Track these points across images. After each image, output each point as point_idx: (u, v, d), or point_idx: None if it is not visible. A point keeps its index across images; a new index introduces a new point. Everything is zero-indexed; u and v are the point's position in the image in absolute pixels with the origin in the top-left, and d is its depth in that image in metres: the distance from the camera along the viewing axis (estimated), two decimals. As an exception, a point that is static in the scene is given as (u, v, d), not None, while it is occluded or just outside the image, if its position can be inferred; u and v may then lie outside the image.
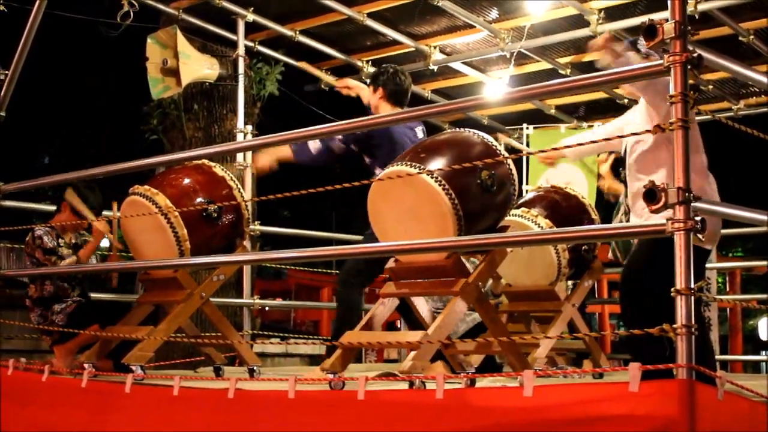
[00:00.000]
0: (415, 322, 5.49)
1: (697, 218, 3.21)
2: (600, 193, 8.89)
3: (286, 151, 6.10)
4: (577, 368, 7.01)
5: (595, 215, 6.75)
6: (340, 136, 5.94)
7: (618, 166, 5.66)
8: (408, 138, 6.06)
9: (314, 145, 6.00)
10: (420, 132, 6.20)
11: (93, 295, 6.54)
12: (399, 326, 11.66)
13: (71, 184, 6.36)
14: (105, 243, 6.66)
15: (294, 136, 4.84)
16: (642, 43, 4.84)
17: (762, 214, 3.72)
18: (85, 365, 5.47)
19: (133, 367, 5.29)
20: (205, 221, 5.69)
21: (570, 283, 7.26)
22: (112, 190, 6.55)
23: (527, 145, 10.42)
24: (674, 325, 3.14)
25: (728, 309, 14.11)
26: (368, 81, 6.30)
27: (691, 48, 3.31)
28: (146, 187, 5.68)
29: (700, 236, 3.24)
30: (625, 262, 4.82)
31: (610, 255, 8.27)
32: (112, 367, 5.90)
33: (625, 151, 5.00)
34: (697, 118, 3.60)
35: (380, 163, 5.87)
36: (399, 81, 6.20)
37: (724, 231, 9.52)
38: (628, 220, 6.91)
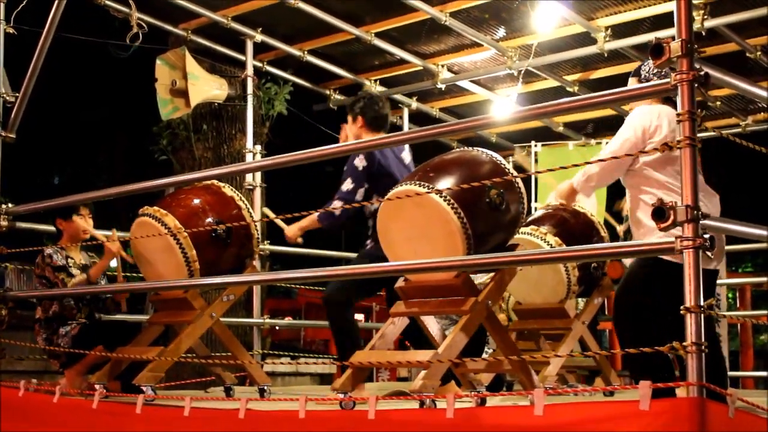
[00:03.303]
0: (421, 342, 5.48)
1: (706, 236, 3.22)
2: (609, 210, 8.91)
3: (311, 221, 6.02)
4: (587, 386, 7.00)
5: (604, 232, 6.75)
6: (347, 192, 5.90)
7: None
8: (401, 164, 6.04)
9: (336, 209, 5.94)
10: (406, 154, 6.15)
11: (103, 316, 6.55)
12: (408, 345, 11.64)
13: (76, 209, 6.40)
14: (113, 263, 6.66)
15: (303, 156, 4.85)
16: (645, 70, 4.87)
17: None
18: (96, 386, 5.47)
19: (144, 388, 5.30)
20: (215, 242, 5.70)
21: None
22: (122, 210, 6.57)
23: (536, 162, 10.45)
24: (684, 343, 3.15)
25: (738, 325, 14.04)
26: (348, 111, 6.18)
27: (697, 66, 3.32)
28: (155, 208, 5.70)
29: (709, 254, 3.24)
30: (618, 285, 4.81)
31: None
32: (120, 388, 5.91)
33: None
34: (704, 134, 3.61)
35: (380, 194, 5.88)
36: (377, 107, 6.05)
37: (734, 247, 9.55)
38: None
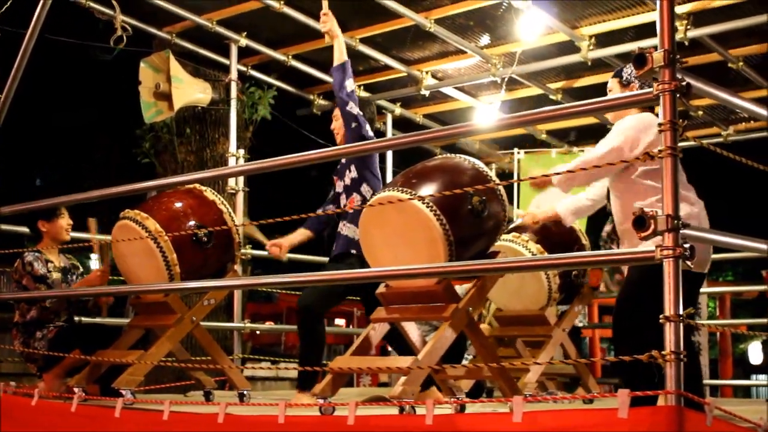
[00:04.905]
0: (404, 349, 5.48)
1: (686, 245, 3.23)
2: (589, 218, 8.94)
3: (304, 235, 6.17)
4: (568, 393, 7.02)
5: (585, 240, 6.78)
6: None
7: None
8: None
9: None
10: None
11: (84, 319, 6.53)
12: (390, 350, 11.67)
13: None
14: (95, 265, 6.64)
15: (287, 161, 4.84)
16: (627, 72, 4.89)
17: (750, 241, 3.74)
18: (75, 389, 5.45)
19: (123, 392, 5.28)
20: (196, 245, 5.69)
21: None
22: (104, 213, 6.56)
23: (518, 169, 10.47)
24: (663, 352, 3.16)
25: (718, 333, 14.12)
26: (339, 110, 6.21)
27: (679, 76, 3.34)
28: (136, 211, 5.69)
29: (689, 263, 3.26)
30: (619, 290, 4.81)
31: (602, 287, 8.28)
32: (98, 391, 5.89)
33: None
34: (685, 144, 3.63)
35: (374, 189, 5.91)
36: (368, 109, 6.17)
37: (715, 256, 9.56)
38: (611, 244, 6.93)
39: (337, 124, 6.10)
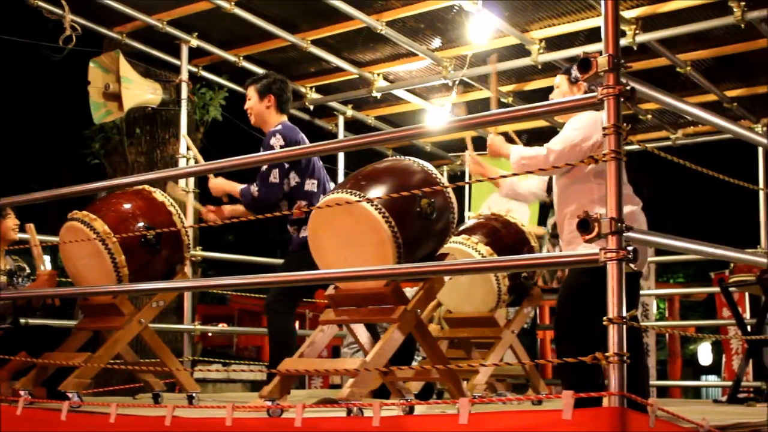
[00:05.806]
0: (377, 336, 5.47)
1: (630, 248, 3.26)
2: (542, 220, 9.01)
3: (234, 190, 6.07)
4: (519, 395, 7.06)
5: (534, 242, 6.82)
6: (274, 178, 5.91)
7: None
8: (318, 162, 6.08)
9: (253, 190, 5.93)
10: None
11: (30, 321, 6.47)
12: (342, 353, 11.66)
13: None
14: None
15: (237, 162, 4.83)
16: (576, 74, 4.93)
17: (693, 244, 3.78)
18: (21, 392, 5.40)
19: (70, 394, 5.23)
20: (144, 247, 5.65)
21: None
22: (53, 214, 6.51)
23: (469, 172, 10.52)
24: (606, 353, 3.19)
25: (667, 335, 14.30)
26: (254, 88, 6.13)
27: (624, 81, 3.37)
28: (84, 212, 5.64)
29: (632, 266, 3.29)
30: (559, 291, 4.86)
31: (540, 281, 8.34)
32: (45, 394, 5.83)
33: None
34: (630, 147, 3.68)
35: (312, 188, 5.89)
36: (287, 89, 6.17)
37: (665, 258, 9.69)
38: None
39: (250, 104, 6.11)
